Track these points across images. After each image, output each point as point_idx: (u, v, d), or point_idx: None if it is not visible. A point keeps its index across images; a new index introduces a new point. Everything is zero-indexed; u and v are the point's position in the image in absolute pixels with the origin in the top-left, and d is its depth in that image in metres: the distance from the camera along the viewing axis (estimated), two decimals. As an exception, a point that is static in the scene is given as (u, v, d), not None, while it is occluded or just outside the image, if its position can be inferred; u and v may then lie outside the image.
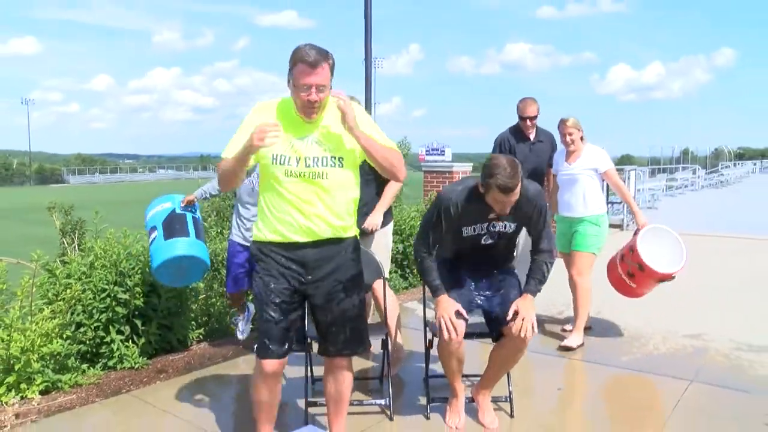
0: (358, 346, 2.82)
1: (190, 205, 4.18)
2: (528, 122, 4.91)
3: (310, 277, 2.68)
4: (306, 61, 2.47)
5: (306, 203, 2.59)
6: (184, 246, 3.90)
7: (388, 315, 3.97)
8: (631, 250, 4.46)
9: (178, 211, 4.09)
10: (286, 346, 2.69)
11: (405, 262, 6.79)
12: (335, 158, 2.60)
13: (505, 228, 3.19)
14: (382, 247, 3.98)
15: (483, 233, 3.20)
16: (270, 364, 2.68)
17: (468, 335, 3.92)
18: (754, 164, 40.57)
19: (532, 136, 4.97)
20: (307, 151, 2.57)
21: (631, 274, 4.49)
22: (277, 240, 2.64)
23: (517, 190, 2.92)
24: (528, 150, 4.93)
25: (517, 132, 4.99)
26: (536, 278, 3.15)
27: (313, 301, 2.73)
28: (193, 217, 4.12)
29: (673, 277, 4.40)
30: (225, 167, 2.59)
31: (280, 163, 2.56)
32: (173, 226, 3.98)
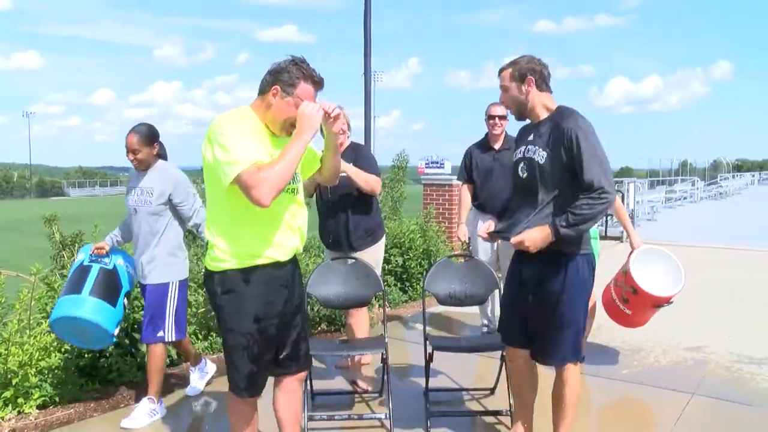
0: (310, 363, 2.75)
1: (101, 255, 3.63)
2: (495, 121, 4.72)
3: (293, 298, 2.57)
4: (317, 83, 2.42)
5: (293, 218, 2.49)
6: (65, 306, 3.42)
7: (357, 330, 3.98)
8: (624, 273, 4.29)
9: (86, 262, 3.60)
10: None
11: (404, 276, 6.77)
12: (297, 173, 2.52)
13: (535, 155, 2.78)
14: (374, 262, 3.97)
15: (520, 159, 2.86)
16: (256, 398, 2.56)
17: (473, 349, 3.90)
18: (753, 176, 40.63)
19: (497, 145, 4.79)
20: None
21: (625, 299, 4.29)
22: (266, 262, 2.42)
23: (505, 75, 2.79)
24: (492, 159, 4.78)
25: (482, 143, 4.90)
26: (568, 213, 2.65)
27: (294, 321, 2.61)
28: (101, 270, 3.56)
29: (671, 302, 4.18)
30: (283, 167, 2.26)
31: None
32: (71, 280, 3.54)
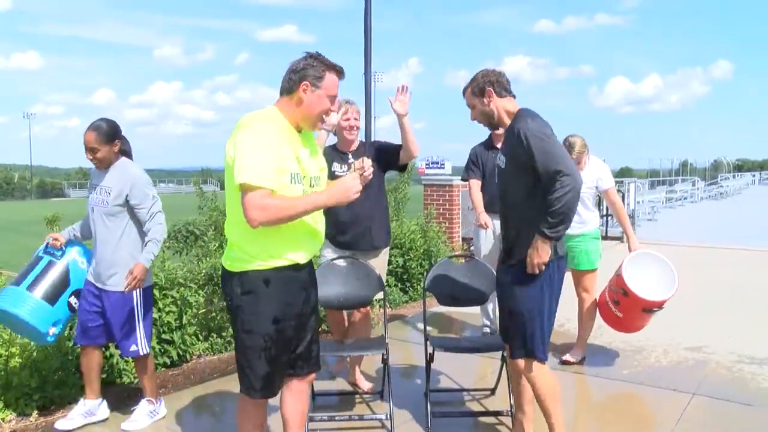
0: (320, 365, 2.76)
1: (55, 248, 3.45)
2: None
3: (309, 299, 2.58)
4: (339, 73, 2.47)
5: (313, 221, 2.49)
6: (3, 298, 3.31)
7: (360, 331, 3.95)
8: (617, 275, 4.23)
9: (39, 253, 3.46)
10: None
11: (405, 276, 6.78)
12: (319, 176, 2.55)
13: (501, 162, 2.98)
14: (381, 266, 3.93)
15: (495, 168, 3.13)
16: (267, 400, 2.56)
17: (474, 349, 3.90)
18: (753, 176, 40.64)
19: (500, 144, 4.81)
20: (309, 166, 2.47)
21: (616, 301, 4.25)
22: (287, 264, 2.42)
23: (467, 93, 2.96)
24: (494, 160, 4.82)
25: (487, 144, 4.92)
26: (545, 214, 2.70)
27: (309, 323, 2.62)
28: (49, 262, 3.39)
29: (662, 307, 4.12)
30: (289, 212, 2.29)
31: (297, 182, 2.38)
32: (21, 271, 3.41)
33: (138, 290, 3.32)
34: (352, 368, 4.07)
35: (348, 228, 3.77)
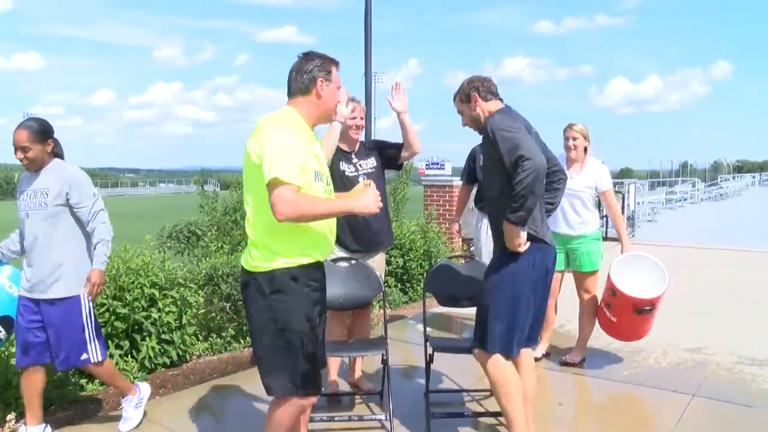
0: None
1: None
2: None
3: (326, 297, 2.63)
4: (338, 65, 2.62)
5: (331, 219, 2.58)
6: None
7: (360, 332, 3.95)
8: (608, 277, 4.22)
9: None
10: None
11: (405, 277, 6.77)
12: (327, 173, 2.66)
13: (481, 162, 3.23)
14: (380, 266, 3.94)
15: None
16: (313, 399, 2.61)
17: (464, 350, 3.92)
18: (753, 177, 40.66)
19: None
20: (324, 165, 2.61)
21: (608, 303, 4.25)
22: (311, 261, 2.48)
23: (456, 101, 3.12)
24: None
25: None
26: (510, 199, 2.78)
27: (323, 321, 2.66)
28: None
29: (654, 306, 4.10)
30: (316, 211, 2.38)
31: (319, 180, 2.48)
32: None
33: (86, 293, 3.15)
34: (352, 369, 4.06)
35: (351, 229, 3.71)
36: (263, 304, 2.44)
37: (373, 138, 6.36)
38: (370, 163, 3.78)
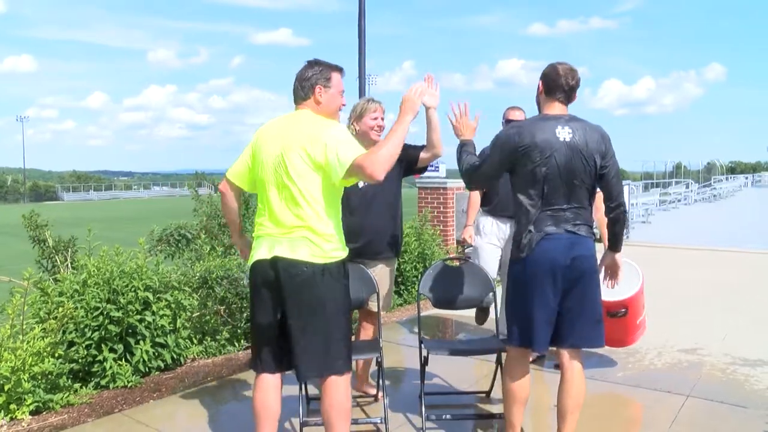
0: None
1: None
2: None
3: None
4: (340, 70, 2.83)
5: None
6: None
7: (362, 335, 3.89)
8: None
9: None
10: None
11: (399, 279, 6.77)
12: None
13: None
14: (383, 283, 3.77)
15: None
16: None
17: (468, 352, 3.92)
18: (746, 178, 40.88)
19: None
20: None
21: None
22: (346, 254, 2.79)
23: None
24: None
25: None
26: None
27: None
28: None
29: (626, 307, 4.04)
30: (394, 148, 2.60)
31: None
32: None
33: None
34: (363, 374, 3.94)
35: (358, 236, 3.52)
36: (341, 289, 2.72)
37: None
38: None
